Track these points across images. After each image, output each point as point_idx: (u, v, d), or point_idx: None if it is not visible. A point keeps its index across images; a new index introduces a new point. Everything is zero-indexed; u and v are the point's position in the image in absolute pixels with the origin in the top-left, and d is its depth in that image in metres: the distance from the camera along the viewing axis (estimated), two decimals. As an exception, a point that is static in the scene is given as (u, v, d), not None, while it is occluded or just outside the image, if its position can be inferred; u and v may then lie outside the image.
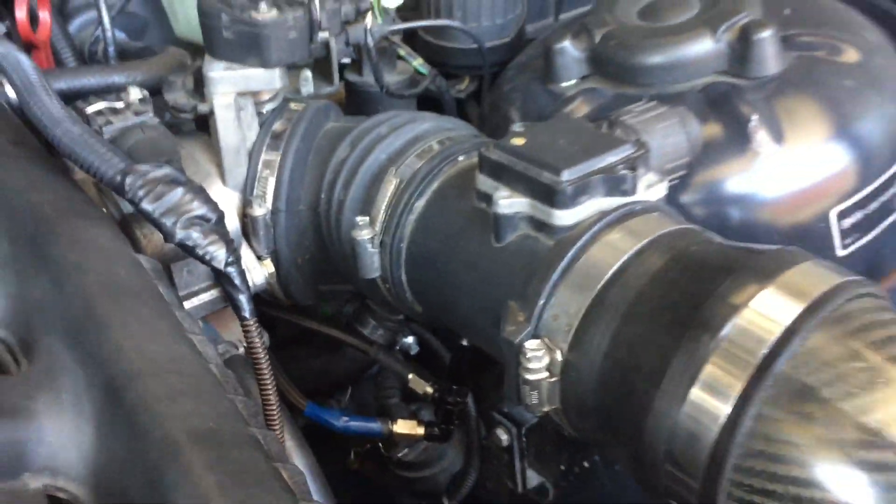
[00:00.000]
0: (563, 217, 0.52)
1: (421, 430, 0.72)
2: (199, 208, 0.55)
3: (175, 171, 0.55)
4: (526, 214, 0.54)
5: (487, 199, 0.55)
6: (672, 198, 0.64)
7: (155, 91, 0.76)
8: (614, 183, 0.53)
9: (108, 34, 0.85)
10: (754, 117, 0.66)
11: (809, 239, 0.67)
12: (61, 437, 0.46)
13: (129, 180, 0.54)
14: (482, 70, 0.88)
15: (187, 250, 0.54)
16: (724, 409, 0.44)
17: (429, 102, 0.89)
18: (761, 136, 0.66)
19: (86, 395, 0.47)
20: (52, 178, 0.57)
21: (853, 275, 0.47)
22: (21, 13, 0.79)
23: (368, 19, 0.74)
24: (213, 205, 0.56)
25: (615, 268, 0.51)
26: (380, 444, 0.79)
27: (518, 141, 0.56)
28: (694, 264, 0.50)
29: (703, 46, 0.70)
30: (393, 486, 0.88)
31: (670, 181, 0.59)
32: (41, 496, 0.45)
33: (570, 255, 0.51)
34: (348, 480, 0.87)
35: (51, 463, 0.46)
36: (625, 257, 0.51)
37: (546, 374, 0.50)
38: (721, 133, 0.67)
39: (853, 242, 0.68)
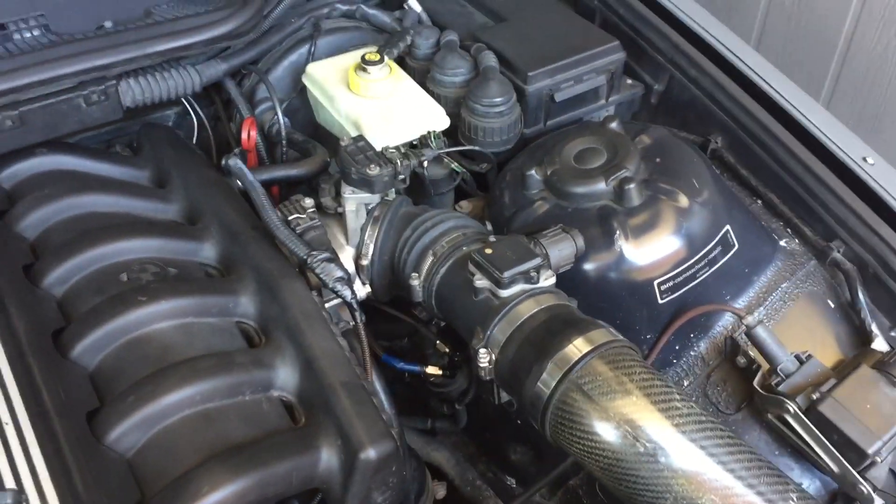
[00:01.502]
0: (503, 293, 1.10)
1: (439, 372, 1.33)
2: (339, 271, 1.14)
3: (330, 254, 1.15)
4: (487, 288, 1.12)
5: (471, 277, 1.13)
6: (576, 269, 1.22)
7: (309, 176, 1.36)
8: (528, 279, 1.11)
9: (285, 133, 1.45)
10: (618, 231, 1.22)
11: (643, 293, 1.24)
12: (285, 375, 1.06)
13: (309, 260, 1.13)
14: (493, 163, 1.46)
15: (335, 292, 1.14)
16: (552, 384, 1.02)
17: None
18: (620, 240, 1.23)
19: (294, 360, 1.07)
20: (274, 252, 1.17)
21: (619, 336, 1.05)
22: (244, 134, 1.39)
23: (427, 154, 1.31)
24: (344, 269, 1.15)
25: (522, 319, 1.09)
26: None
27: (488, 250, 1.13)
28: (555, 320, 1.08)
29: (600, 185, 1.25)
30: (427, 396, 1.49)
31: (560, 271, 1.17)
32: (278, 400, 1.06)
33: (504, 310, 1.10)
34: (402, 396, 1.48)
35: (281, 385, 1.07)
36: (526, 315, 1.09)
37: (488, 364, 1.09)
38: (601, 235, 1.24)
39: (667, 297, 1.25)
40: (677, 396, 1.00)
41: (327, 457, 0.97)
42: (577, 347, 1.03)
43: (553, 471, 1.35)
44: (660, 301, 1.25)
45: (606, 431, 0.98)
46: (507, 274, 1.09)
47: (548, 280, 1.12)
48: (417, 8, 1.63)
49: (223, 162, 1.29)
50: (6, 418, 0.93)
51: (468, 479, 1.51)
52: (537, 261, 1.11)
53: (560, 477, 1.37)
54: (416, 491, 1.40)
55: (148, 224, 1.24)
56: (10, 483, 0.87)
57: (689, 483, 0.95)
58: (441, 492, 1.49)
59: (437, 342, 1.34)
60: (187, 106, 1.52)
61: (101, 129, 1.46)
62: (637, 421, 0.97)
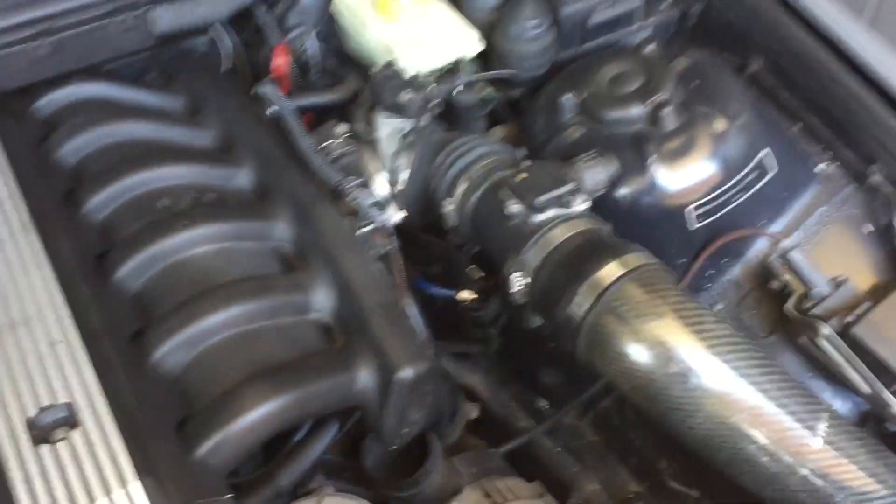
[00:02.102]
0: (537, 218, 1.11)
1: (472, 296, 1.34)
2: (372, 197, 1.15)
3: (361, 181, 1.16)
4: (521, 213, 1.12)
5: (505, 202, 1.14)
6: (609, 193, 1.21)
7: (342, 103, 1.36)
8: (562, 203, 1.11)
9: (317, 59, 1.44)
10: (653, 156, 1.21)
11: (676, 218, 1.24)
12: (322, 297, 1.08)
13: (342, 185, 1.14)
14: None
15: (368, 217, 1.15)
16: (585, 307, 1.03)
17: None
18: (654, 165, 1.22)
19: (330, 283, 1.08)
20: (308, 178, 1.18)
21: (653, 259, 1.05)
22: (277, 62, 1.39)
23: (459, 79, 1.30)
24: (377, 194, 1.16)
25: (555, 243, 1.10)
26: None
27: (522, 175, 1.14)
28: (588, 244, 1.08)
29: (636, 110, 1.25)
30: (460, 320, 1.51)
31: (595, 195, 1.17)
32: (315, 322, 1.09)
33: (537, 235, 1.10)
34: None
35: (319, 308, 1.09)
36: (560, 239, 1.09)
37: (522, 287, 1.10)
38: (635, 160, 1.23)
39: (700, 221, 1.25)
40: (710, 318, 1.01)
41: (364, 376, 1.00)
42: (611, 270, 1.04)
43: (584, 393, 1.37)
44: (693, 226, 1.24)
45: (639, 353, 0.99)
46: (540, 199, 1.10)
47: (582, 205, 1.13)
48: (450, -70, 1.59)
49: (255, 89, 1.29)
50: (59, 336, 0.96)
51: (501, 400, 1.53)
52: (571, 185, 1.11)
53: (591, 399, 1.39)
54: (449, 412, 1.44)
55: (186, 151, 1.25)
56: (63, 398, 0.90)
57: (720, 402, 0.97)
58: (474, 412, 1.52)
59: (471, 267, 1.35)
60: (219, 33, 1.51)
61: (134, 56, 1.46)
62: (670, 342, 0.99)
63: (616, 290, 1.02)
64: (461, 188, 1.20)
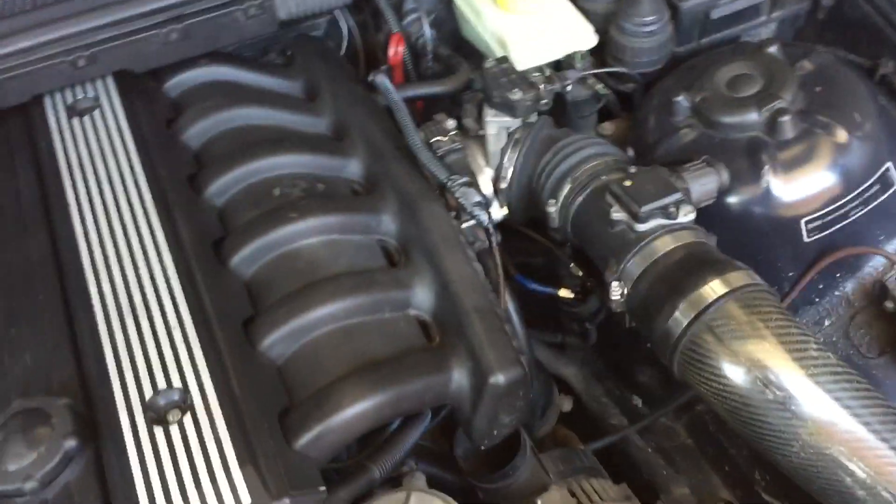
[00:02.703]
0: (640, 228, 1.09)
1: (571, 295, 1.34)
2: (477, 196, 1.16)
3: (469, 178, 1.16)
4: (624, 221, 1.11)
5: (609, 208, 1.12)
6: (720, 201, 1.18)
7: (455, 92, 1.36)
8: (667, 214, 1.09)
9: (430, 46, 1.45)
10: (766, 166, 1.17)
11: (788, 230, 1.20)
12: (422, 295, 1.11)
13: (449, 183, 1.16)
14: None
15: (472, 216, 1.16)
16: (684, 324, 1.02)
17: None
18: (769, 175, 1.18)
19: (431, 282, 1.10)
20: (415, 173, 1.20)
21: (758, 280, 1.02)
22: (391, 51, 1.41)
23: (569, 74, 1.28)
24: (482, 193, 1.17)
25: (657, 255, 1.08)
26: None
27: (627, 182, 1.12)
28: (691, 259, 1.06)
29: (752, 116, 1.20)
30: (559, 312, 1.52)
31: (702, 205, 1.14)
32: (414, 319, 1.11)
33: (639, 245, 1.09)
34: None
35: (418, 305, 1.11)
36: (662, 251, 1.08)
37: (620, 297, 1.10)
38: (748, 168, 1.19)
39: (814, 235, 1.20)
40: (814, 345, 0.98)
41: (458, 377, 1.02)
42: (713, 288, 1.02)
43: (681, 395, 1.36)
44: (806, 239, 1.20)
45: (736, 375, 0.98)
46: (644, 208, 1.08)
47: (687, 216, 1.10)
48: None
49: (370, 78, 1.31)
50: (174, 323, 1.02)
51: (594, 394, 1.54)
52: (677, 196, 1.09)
53: (688, 402, 1.37)
54: (542, 403, 1.45)
55: (300, 139, 1.29)
56: (177, 382, 0.96)
57: (818, 433, 0.94)
58: (567, 405, 1.53)
59: (572, 265, 1.35)
60: (337, 16, 1.54)
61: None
62: (769, 367, 0.96)
63: (717, 309, 1.00)
64: (565, 190, 1.19)
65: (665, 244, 1.08)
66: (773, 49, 1.25)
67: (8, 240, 1.19)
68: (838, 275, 1.24)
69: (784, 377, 0.96)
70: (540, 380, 1.44)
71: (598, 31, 1.39)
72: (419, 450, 1.23)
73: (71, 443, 0.92)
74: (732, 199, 1.20)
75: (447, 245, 1.11)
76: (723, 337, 0.99)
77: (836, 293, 1.25)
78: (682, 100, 1.25)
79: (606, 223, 1.12)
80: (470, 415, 1.03)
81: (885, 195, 1.21)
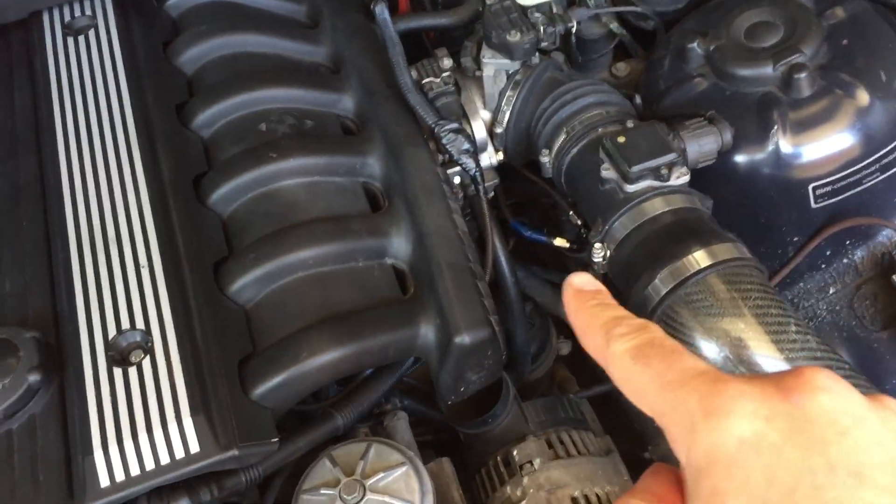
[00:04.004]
0: (629, 188, 1.04)
1: (567, 244, 1.29)
2: (466, 143, 1.11)
3: (459, 125, 1.11)
4: (614, 179, 1.05)
5: (600, 164, 1.07)
6: (725, 157, 1.11)
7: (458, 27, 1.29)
8: (658, 175, 1.03)
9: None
10: (776, 125, 1.09)
11: (795, 194, 1.12)
12: (399, 244, 1.07)
13: (437, 129, 1.11)
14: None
15: (460, 164, 1.12)
16: (662, 293, 0.97)
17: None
18: (778, 134, 1.10)
19: (409, 230, 1.07)
20: (404, 116, 1.15)
21: (746, 254, 0.96)
22: (393, -24, 1.33)
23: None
24: (472, 141, 1.12)
25: (644, 218, 1.02)
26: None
27: (621, 138, 1.06)
28: (679, 225, 1.01)
29: (767, 69, 1.11)
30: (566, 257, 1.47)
31: (699, 167, 1.07)
32: (390, 268, 1.08)
33: (627, 206, 1.03)
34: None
35: (394, 254, 1.08)
36: (650, 214, 1.02)
37: (601, 259, 1.05)
38: (757, 126, 1.11)
39: (822, 201, 1.12)
40: (794, 326, 0.93)
41: (425, 333, 1.00)
42: (696, 259, 0.96)
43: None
44: (813, 205, 1.12)
45: (709, 352, 0.93)
46: (635, 168, 1.02)
47: (680, 179, 1.04)
48: None
49: (371, 5, 1.25)
50: (143, 261, 1.01)
51: (594, 340, 1.50)
52: (671, 156, 1.03)
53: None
54: (536, 348, 1.43)
55: (293, 72, 1.24)
56: (140, 323, 0.96)
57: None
58: (565, 349, 1.51)
59: (570, 213, 1.30)
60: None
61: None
62: (742, 346, 0.92)
63: (696, 281, 0.95)
64: (560, 140, 1.14)
65: (653, 207, 1.02)
66: (801, -7, 1.15)
67: (2, 160, 1.19)
68: (848, 242, 1.17)
69: (758, 358, 0.91)
70: (535, 324, 1.42)
71: (618, -38, 1.29)
72: (406, 387, 1.23)
73: (35, 377, 0.93)
74: (739, 158, 1.12)
75: (427, 194, 1.07)
76: (698, 311, 0.94)
77: (845, 261, 1.18)
78: (695, 46, 1.16)
79: (597, 179, 1.07)
80: (437, 371, 1.01)
81: (907, 162, 1.12)
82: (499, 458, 1.18)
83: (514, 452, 1.17)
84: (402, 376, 1.11)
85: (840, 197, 1.12)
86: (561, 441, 1.21)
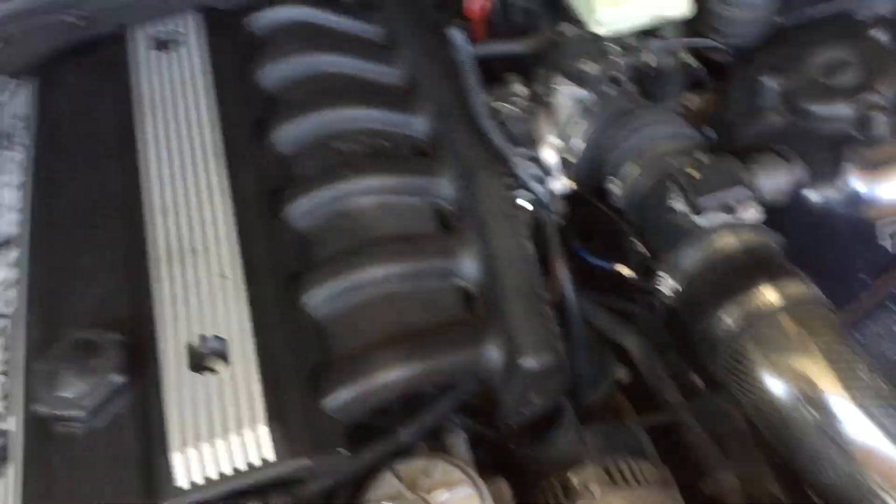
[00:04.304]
0: (699, 221, 1.05)
1: (630, 272, 1.31)
2: (535, 168, 1.14)
3: (531, 149, 1.14)
4: (684, 211, 1.06)
5: (670, 195, 1.08)
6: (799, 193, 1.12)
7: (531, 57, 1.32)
8: (729, 209, 1.04)
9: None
10: (850, 164, 1.09)
11: (866, 233, 1.12)
12: (468, 266, 1.09)
13: (508, 154, 1.13)
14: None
15: (529, 190, 1.14)
16: (731, 328, 0.98)
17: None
18: (852, 174, 1.10)
19: (478, 252, 1.09)
20: (477, 139, 1.18)
21: (815, 291, 0.97)
22: (475, 6, 1.36)
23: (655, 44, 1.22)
24: (542, 166, 1.14)
25: (713, 251, 1.03)
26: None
27: (693, 170, 1.07)
28: (750, 260, 1.01)
29: (843, 108, 1.11)
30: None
31: (770, 202, 1.08)
32: (458, 288, 1.11)
33: (696, 239, 1.05)
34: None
35: (463, 275, 1.10)
36: (719, 248, 1.03)
37: (668, 291, 1.06)
38: (831, 164, 1.11)
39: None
40: (864, 367, 0.93)
41: (491, 355, 1.02)
42: (765, 295, 0.97)
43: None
44: (884, 245, 1.12)
45: (776, 390, 0.94)
46: (705, 201, 1.03)
47: (750, 214, 1.05)
48: None
49: (447, 31, 1.28)
50: (223, 271, 1.05)
51: (653, 368, 1.50)
52: (743, 191, 1.03)
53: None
54: (594, 374, 1.44)
55: (370, 92, 1.28)
56: (218, 331, 1.00)
57: (856, 460, 0.90)
58: (624, 376, 1.51)
59: (636, 241, 1.31)
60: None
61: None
62: (811, 385, 0.92)
63: (765, 317, 0.96)
64: (629, 168, 1.15)
65: (722, 241, 1.03)
66: (878, 32, 1.15)
67: (88, 167, 1.25)
68: (918, 284, 1.16)
69: (825, 396, 0.91)
70: (595, 350, 1.43)
71: (694, -3, 1.30)
72: (467, 405, 1.25)
73: (117, 377, 0.98)
74: (810, 194, 1.13)
75: (497, 218, 1.09)
76: (767, 348, 0.95)
77: (914, 303, 1.17)
78: (769, 81, 1.17)
79: (666, 211, 1.08)
80: (500, 392, 1.03)
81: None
82: (556, 481, 1.19)
83: (572, 477, 1.18)
84: (466, 395, 1.13)
85: (913, 238, 1.12)
86: (619, 469, 1.22)
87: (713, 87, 1.35)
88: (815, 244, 1.13)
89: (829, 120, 1.12)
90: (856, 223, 1.12)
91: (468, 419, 1.22)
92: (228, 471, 0.90)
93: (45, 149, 1.29)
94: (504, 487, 1.13)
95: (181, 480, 0.90)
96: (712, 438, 1.39)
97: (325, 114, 1.23)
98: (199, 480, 0.90)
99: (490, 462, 1.30)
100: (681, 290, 1.05)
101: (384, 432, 1.05)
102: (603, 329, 1.48)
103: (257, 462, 0.90)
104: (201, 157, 1.18)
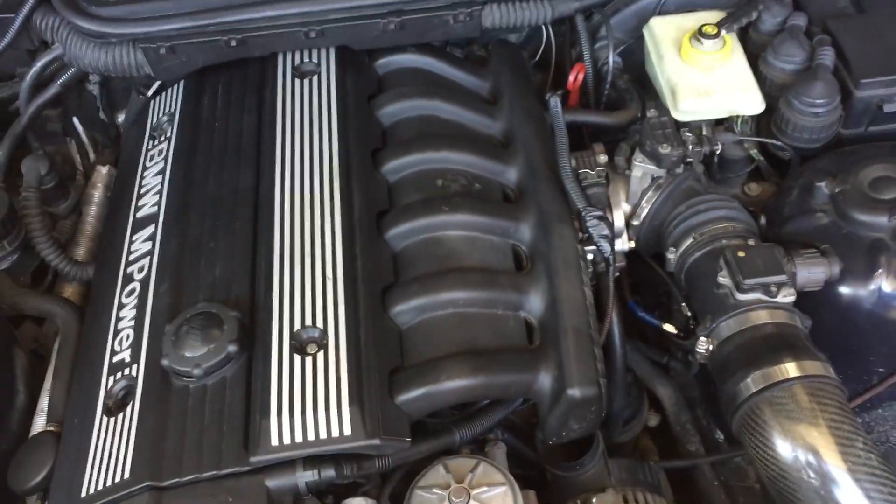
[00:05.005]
0: (740, 297, 1.19)
1: (675, 331, 1.44)
2: (605, 229, 1.29)
3: (603, 212, 1.29)
4: (728, 286, 1.21)
5: (718, 271, 1.22)
6: (834, 286, 1.24)
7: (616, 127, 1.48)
8: (767, 291, 1.18)
9: (612, 75, 1.55)
10: (881, 269, 1.22)
11: (888, 331, 1.24)
12: (534, 302, 1.24)
13: (584, 213, 1.29)
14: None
15: (597, 246, 1.29)
16: (751, 391, 1.12)
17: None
18: (882, 277, 1.22)
19: (544, 294, 1.25)
20: (558, 195, 1.34)
21: (831, 374, 1.10)
22: (571, 77, 1.53)
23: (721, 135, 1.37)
24: (611, 227, 1.29)
25: (749, 325, 1.17)
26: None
27: (741, 252, 1.21)
28: (778, 337, 1.15)
29: (882, 219, 1.24)
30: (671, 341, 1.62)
31: (806, 290, 1.21)
32: (522, 320, 1.27)
33: (735, 311, 1.19)
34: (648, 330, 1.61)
35: (529, 309, 1.26)
36: (754, 322, 1.17)
37: (705, 351, 1.20)
38: (865, 266, 1.24)
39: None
40: (861, 443, 1.06)
41: (543, 381, 1.17)
42: (786, 369, 1.11)
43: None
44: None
45: (782, 450, 1.07)
46: (748, 281, 1.17)
47: (787, 297, 1.18)
48: (781, -21, 1.59)
49: (547, 96, 1.45)
50: (329, 274, 1.23)
51: (681, 419, 1.63)
52: (782, 278, 1.17)
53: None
54: (628, 415, 1.58)
55: (471, 141, 1.45)
56: (319, 323, 1.18)
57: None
58: (654, 421, 1.65)
59: (683, 304, 1.45)
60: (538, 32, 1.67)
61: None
62: (813, 451, 1.05)
63: (783, 388, 1.10)
64: (687, 242, 1.30)
65: (758, 317, 1.17)
66: (925, 157, 1.28)
67: (226, 167, 1.44)
68: (929, 383, 1.28)
69: (824, 464, 1.04)
70: (631, 394, 1.56)
71: (772, 97, 1.44)
72: (509, 423, 1.40)
73: (233, 347, 1.15)
74: (844, 289, 1.25)
75: (566, 266, 1.25)
76: (780, 413, 1.08)
77: (923, 398, 1.29)
78: (823, 185, 1.30)
79: (713, 283, 1.22)
80: (546, 414, 1.19)
81: None
82: (579, 501, 1.33)
83: (594, 500, 1.32)
84: (512, 412, 1.28)
85: (929, 340, 1.24)
86: (636, 499, 1.35)
87: (773, 181, 1.49)
88: (840, 333, 1.26)
89: (869, 227, 1.25)
90: (880, 321, 1.24)
91: (511, 436, 1.37)
92: (312, 438, 1.07)
93: (186, 143, 1.49)
94: (533, 498, 1.28)
95: (274, 440, 1.07)
96: (724, 489, 1.52)
97: (430, 154, 1.40)
98: (288, 442, 1.07)
99: (524, 477, 1.45)
100: (715, 352, 1.19)
101: (441, 432, 1.21)
102: (643, 377, 1.62)
103: (336, 435, 1.07)
104: (322, 174, 1.36)
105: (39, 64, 1.61)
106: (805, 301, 1.23)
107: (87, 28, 1.50)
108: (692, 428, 1.63)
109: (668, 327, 1.45)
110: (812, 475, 1.04)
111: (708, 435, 1.63)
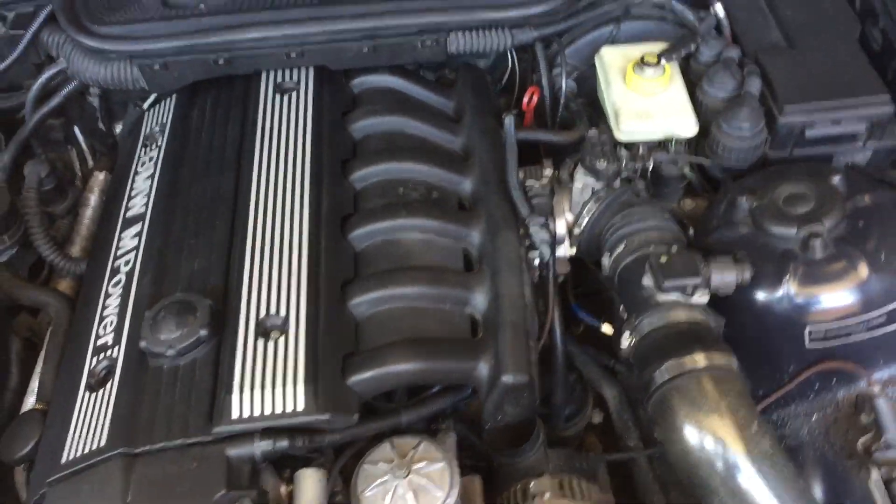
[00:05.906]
0: (660, 297, 1.30)
1: (611, 332, 1.55)
2: (546, 235, 1.41)
3: (545, 220, 1.41)
4: (651, 287, 1.32)
5: (643, 274, 1.33)
6: (746, 291, 1.36)
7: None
8: (684, 291, 1.29)
9: (565, 98, 1.68)
10: (788, 275, 1.33)
11: (794, 333, 1.35)
12: (479, 299, 1.35)
13: (528, 220, 1.41)
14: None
15: (538, 251, 1.41)
16: (664, 379, 1.23)
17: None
18: (789, 283, 1.33)
19: (489, 291, 1.36)
20: (507, 205, 1.46)
21: (734, 365, 1.21)
22: (526, 98, 1.66)
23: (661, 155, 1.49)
24: (552, 235, 1.41)
25: (666, 321, 1.29)
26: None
27: (663, 258, 1.33)
28: (690, 332, 1.26)
29: (792, 231, 1.35)
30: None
31: (719, 293, 1.32)
32: (468, 316, 1.37)
33: (655, 310, 1.30)
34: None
35: (474, 306, 1.36)
36: (671, 320, 1.28)
37: (627, 346, 1.32)
38: (774, 273, 1.35)
39: (815, 344, 1.35)
40: (755, 426, 1.16)
41: (482, 368, 1.28)
42: (695, 359, 1.22)
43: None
44: (807, 345, 1.35)
45: (690, 433, 1.18)
46: (667, 283, 1.29)
47: (701, 298, 1.30)
48: (720, 14, 1.72)
49: (504, 115, 1.57)
50: (295, 269, 1.34)
51: (623, 417, 1.73)
52: (697, 280, 1.29)
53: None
54: (573, 410, 1.68)
55: (433, 154, 1.57)
56: (282, 312, 1.29)
57: (736, 492, 1.14)
58: (597, 418, 1.75)
59: (621, 307, 1.56)
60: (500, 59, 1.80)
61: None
62: (713, 435, 1.16)
63: (690, 376, 1.21)
64: (619, 249, 1.41)
65: (675, 315, 1.29)
66: (835, 179, 1.39)
67: (209, 172, 1.56)
68: (834, 379, 1.38)
69: (722, 442, 1.15)
70: (576, 391, 1.67)
71: (707, 122, 1.57)
72: (460, 414, 1.51)
73: (204, 332, 1.27)
74: (755, 294, 1.37)
75: (509, 267, 1.36)
76: (685, 399, 1.19)
77: (829, 395, 1.39)
78: (744, 200, 1.42)
79: (638, 285, 1.34)
80: (484, 399, 1.30)
81: (889, 328, 1.33)
82: (519, 486, 1.44)
83: (531, 484, 1.43)
84: (459, 401, 1.39)
85: (830, 343, 1.35)
86: (570, 485, 1.46)
87: (706, 197, 1.61)
88: (752, 334, 1.37)
89: (781, 238, 1.36)
90: (787, 323, 1.35)
91: (463, 427, 1.48)
92: (269, 412, 1.18)
93: (174, 151, 1.61)
94: (477, 481, 1.38)
95: (235, 413, 1.18)
96: (659, 484, 1.63)
97: (394, 164, 1.53)
98: (247, 415, 1.18)
99: (474, 467, 1.55)
100: (637, 346, 1.30)
101: (388, 413, 1.32)
102: (590, 378, 1.72)
103: (290, 410, 1.18)
104: (295, 180, 1.48)
105: (44, 76, 1.73)
106: (724, 305, 1.34)
107: (88, 45, 1.63)
108: (633, 425, 1.73)
109: (606, 327, 1.57)
110: (712, 455, 1.15)
111: (648, 433, 1.73)
